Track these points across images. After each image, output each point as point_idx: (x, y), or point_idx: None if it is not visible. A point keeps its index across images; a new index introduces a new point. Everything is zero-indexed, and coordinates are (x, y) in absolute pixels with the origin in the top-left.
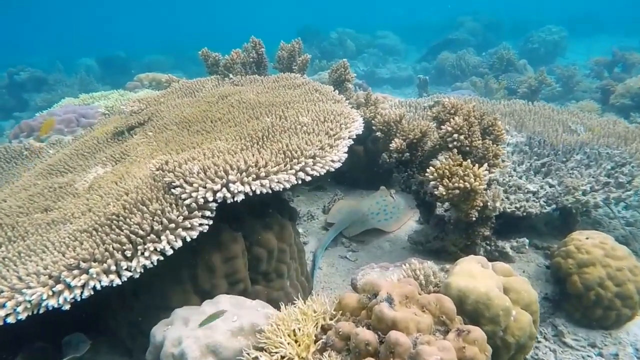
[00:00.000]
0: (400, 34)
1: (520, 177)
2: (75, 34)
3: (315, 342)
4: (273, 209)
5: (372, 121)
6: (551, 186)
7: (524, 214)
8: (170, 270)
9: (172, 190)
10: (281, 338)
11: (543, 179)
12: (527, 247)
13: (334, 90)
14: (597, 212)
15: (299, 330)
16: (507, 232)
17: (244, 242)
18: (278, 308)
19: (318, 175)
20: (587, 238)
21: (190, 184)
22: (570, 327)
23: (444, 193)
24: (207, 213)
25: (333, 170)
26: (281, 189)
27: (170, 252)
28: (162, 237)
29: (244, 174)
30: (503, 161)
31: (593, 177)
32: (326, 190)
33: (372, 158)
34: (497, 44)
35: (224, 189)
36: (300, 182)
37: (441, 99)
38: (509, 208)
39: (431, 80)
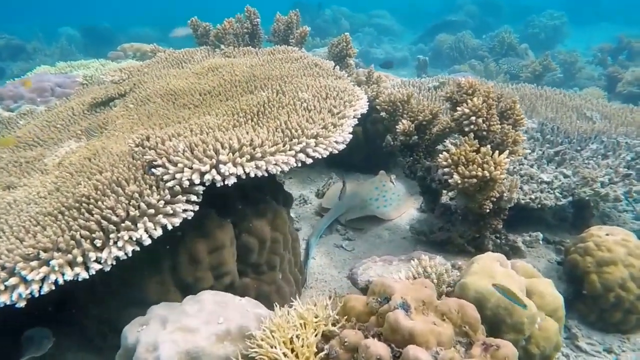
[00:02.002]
0: (396, 15)
1: (532, 166)
2: (58, 1)
3: (316, 353)
4: (267, 194)
5: (376, 100)
6: (566, 176)
7: (539, 205)
8: (148, 259)
9: (153, 170)
10: (276, 348)
11: (556, 168)
12: (540, 241)
13: (334, 66)
14: (605, 204)
15: (297, 338)
16: (514, 224)
17: (233, 230)
18: (268, 303)
19: (320, 157)
20: (607, 234)
21: (174, 164)
22: (584, 330)
23: (459, 182)
24: (193, 197)
25: (336, 152)
26: (279, 172)
27: (148, 241)
28: (139, 225)
29: (237, 153)
30: (523, 148)
31: (611, 168)
32: (319, 172)
33: (372, 140)
34: (496, 28)
35: (213, 171)
36: (300, 164)
37: (447, 79)
38: (523, 199)
39: (428, 63)
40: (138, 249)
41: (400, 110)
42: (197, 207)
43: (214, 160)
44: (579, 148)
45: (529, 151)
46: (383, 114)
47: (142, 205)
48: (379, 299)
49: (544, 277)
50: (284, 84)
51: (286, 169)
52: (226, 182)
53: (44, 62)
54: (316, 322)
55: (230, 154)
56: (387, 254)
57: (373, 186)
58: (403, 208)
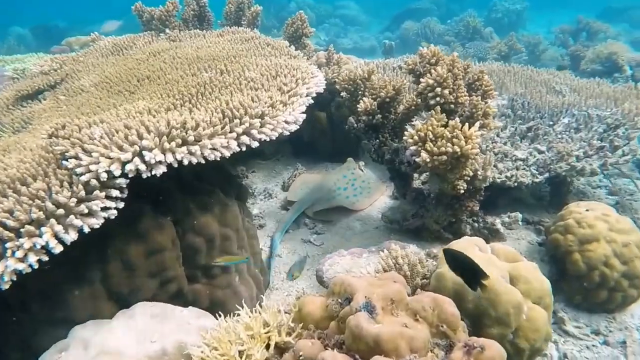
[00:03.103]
0: (361, 5)
1: (505, 143)
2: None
3: None
4: (213, 186)
5: (336, 80)
6: (540, 152)
7: (516, 184)
8: (73, 270)
9: (64, 162)
10: None
11: (530, 144)
12: (520, 222)
13: (289, 45)
14: (579, 181)
15: (241, 356)
16: (491, 206)
17: (175, 229)
18: (224, 310)
19: (267, 139)
20: (587, 210)
21: (89, 153)
22: (570, 312)
23: (428, 160)
24: (115, 193)
25: (287, 133)
26: (218, 158)
27: (59, 248)
28: (45, 229)
29: (165, 138)
30: (495, 122)
31: (585, 142)
32: (285, 163)
33: (337, 125)
34: (460, 14)
35: (137, 159)
36: (244, 148)
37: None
38: (498, 178)
39: (395, 50)
40: (46, 258)
41: (362, 89)
42: (121, 204)
43: (137, 147)
44: (551, 122)
45: (501, 124)
46: (344, 94)
47: (49, 205)
48: (339, 300)
49: (527, 261)
50: (230, 64)
51: (227, 153)
52: (154, 172)
53: None
54: (266, 333)
55: (157, 138)
56: (359, 247)
57: (341, 174)
58: (374, 196)
